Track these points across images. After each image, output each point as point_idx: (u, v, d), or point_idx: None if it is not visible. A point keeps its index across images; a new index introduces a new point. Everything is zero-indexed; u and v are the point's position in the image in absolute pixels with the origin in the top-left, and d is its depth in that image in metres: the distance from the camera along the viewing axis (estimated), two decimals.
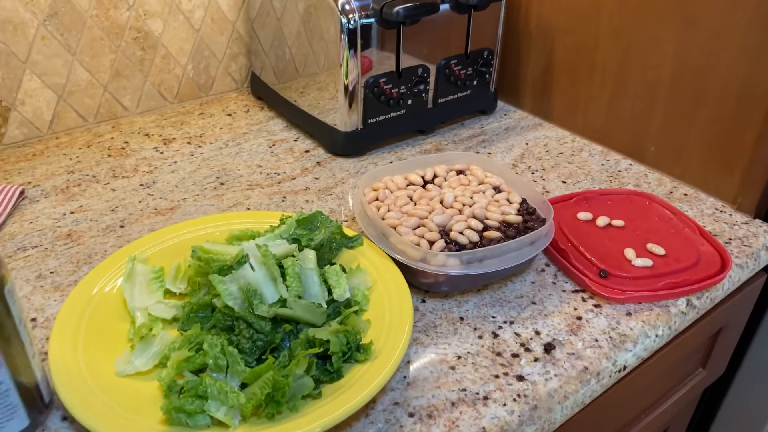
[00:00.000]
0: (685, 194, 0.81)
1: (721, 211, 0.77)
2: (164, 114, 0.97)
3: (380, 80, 0.84)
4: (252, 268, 0.55)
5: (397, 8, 0.77)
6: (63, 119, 0.90)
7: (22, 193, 0.75)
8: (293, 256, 0.58)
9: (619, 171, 0.85)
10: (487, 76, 0.95)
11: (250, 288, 0.53)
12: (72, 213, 0.74)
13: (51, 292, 0.62)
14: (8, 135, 0.86)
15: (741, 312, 0.80)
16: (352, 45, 0.80)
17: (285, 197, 0.78)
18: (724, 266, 0.67)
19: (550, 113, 0.97)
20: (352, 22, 0.79)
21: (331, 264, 0.62)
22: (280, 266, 0.57)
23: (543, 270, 0.67)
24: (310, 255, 0.58)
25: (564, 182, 0.82)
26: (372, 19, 0.80)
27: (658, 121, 0.84)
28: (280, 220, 0.65)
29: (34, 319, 0.59)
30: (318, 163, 0.86)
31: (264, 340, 0.52)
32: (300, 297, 0.55)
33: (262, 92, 1.00)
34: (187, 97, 1.00)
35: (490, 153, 0.89)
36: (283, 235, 0.60)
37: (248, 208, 0.75)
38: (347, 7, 0.79)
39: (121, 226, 0.72)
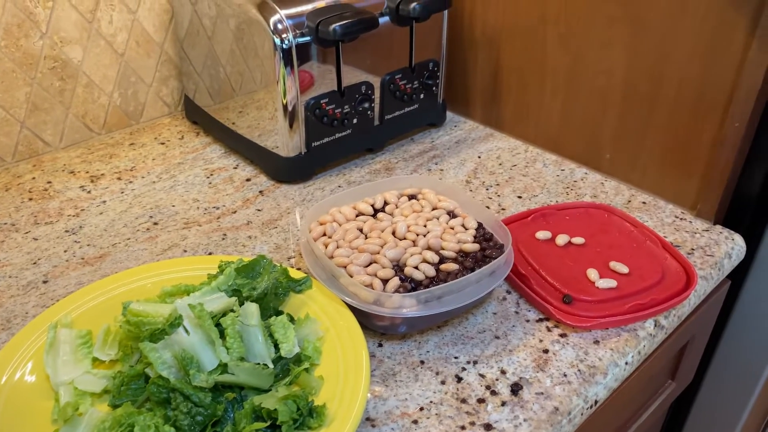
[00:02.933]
0: (644, 202, 0.78)
1: (681, 219, 0.75)
2: (91, 147, 0.89)
3: (321, 101, 0.79)
4: (186, 331, 0.50)
5: (333, 26, 0.72)
6: None
7: None
8: (233, 311, 0.53)
9: (575, 181, 0.82)
10: (434, 88, 0.90)
11: (186, 355, 0.48)
12: None
13: None
14: None
15: (707, 321, 0.78)
16: (288, 64, 0.75)
17: (225, 235, 0.72)
18: (689, 281, 0.65)
19: (500, 122, 0.94)
20: (286, 42, 0.73)
21: (277, 313, 0.57)
22: (219, 325, 0.52)
23: (504, 298, 0.64)
24: (252, 309, 0.53)
25: (519, 197, 0.79)
26: (308, 38, 0.75)
27: (611, 128, 0.81)
28: (219, 268, 0.59)
29: None
30: (260, 192, 0.80)
31: (204, 414, 0.46)
32: (243, 359, 0.50)
33: (197, 116, 0.94)
34: (115, 127, 0.93)
35: (442, 170, 0.85)
36: (221, 287, 0.55)
37: (185, 251, 0.69)
38: (280, 26, 0.73)
39: (45, 282, 0.65)
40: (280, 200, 0.79)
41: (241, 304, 0.54)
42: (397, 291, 0.57)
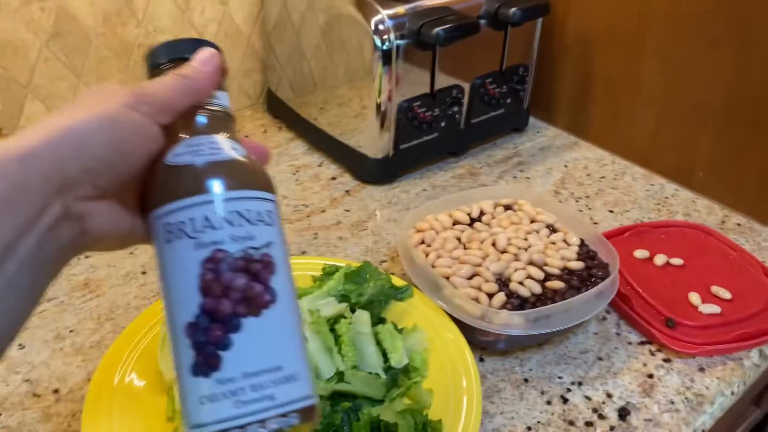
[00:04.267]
0: (739, 224, 0.76)
1: None
2: None
3: (414, 104, 0.78)
4: (305, 337, 0.49)
5: (436, 30, 0.71)
6: None
7: None
8: (344, 317, 0.53)
9: (666, 198, 0.80)
10: (521, 93, 0.89)
11: None
12: (86, 257, 0.67)
13: (72, 356, 0.56)
14: None
15: None
16: (386, 65, 0.74)
17: (316, 234, 0.72)
18: None
19: (586, 131, 0.92)
20: (386, 43, 0.73)
21: (381, 321, 0.57)
22: (332, 331, 0.51)
23: (604, 318, 0.63)
24: (365, 317, 0.53)
25: (611, 211, 0.78)
26: (407, 40, 0.74)
27: (708, 146, 0.79)
28: (324, 270, 0.59)
29: (56, 391, 0.53)
30: (347, 192, 0.80)
31: (324, 423, 0.46)
32: (355, 367, 0.50)
33: (279, 110, 0.94)
34: None
35: (528, 177, 0.83)
36: (331, 292, 0.55)
37: None
38: (381, 27, 0.72)
39: (143, 273, 0.66)
40: (366, 201, 0.78)
41: (351, 310, 0.54)
42: (503, 307, 0.56)
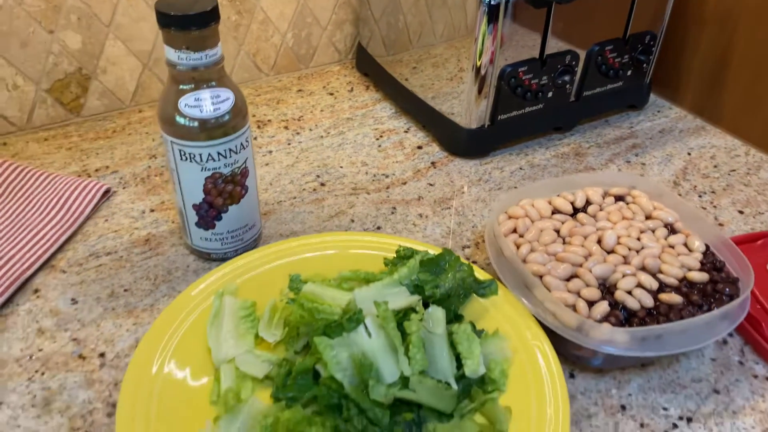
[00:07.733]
0: None
1: None
2: (258, 88, 0.85)
3: (519, 69, 0.68)
4: (368, 331, 0.43)
5: None
6: (147, 90, 0.79)
7: (106, 192, 0.65)
8: (415, 311, 0.46)
9: None
10: (644, 65, 0.77)
11: (366, 361, 0.42)
12: (152, 211, 0.64)
13: (124, 317, 0.53)
14: (87, 106, 0.77)
15: None
16: (491, 22, 0.65)
17: (394, 208, 0.65)
18: None
19: (717, 114, 0.79)
20: None
21: (458, 318, 0.49)
22: (400, 326, 0.45)
23: (725, 342, 0.53)
24: (439, 315, 0.45)
25: (741, 212, 0.66)
26: None
27: None
28: (397, 253, 0.53)
29: (102, 355, 0.49)
30: (432, 163, 0.72)
31: None
32: (423, 373, 0.43)
33: (369, 67, 0.87)
34: (284, 69, 0.87)
35: (644, 163, 0.72)
36: (403, 281, 0.48)
37: (352, 221, 0.63)
38: None
39: None
40: (453, 176, 0.70)
41: (424, 303, 0.47)
42: (606, 319, 0.47)
